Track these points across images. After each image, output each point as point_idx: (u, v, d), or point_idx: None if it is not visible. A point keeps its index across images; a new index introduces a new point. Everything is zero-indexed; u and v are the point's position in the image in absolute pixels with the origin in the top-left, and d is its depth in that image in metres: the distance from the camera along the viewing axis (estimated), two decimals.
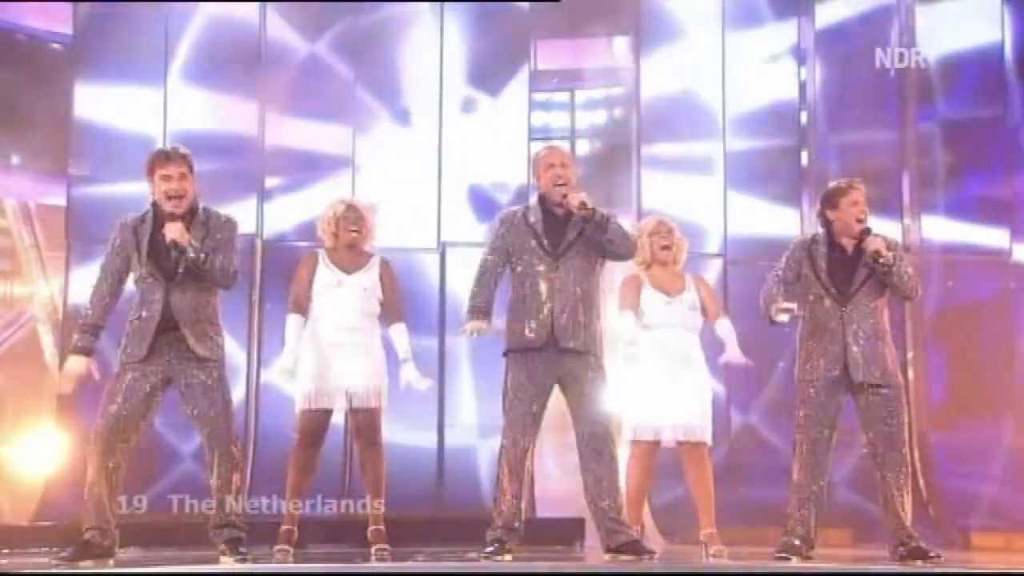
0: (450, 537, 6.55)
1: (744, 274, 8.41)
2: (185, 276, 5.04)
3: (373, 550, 5.73)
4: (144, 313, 5.06)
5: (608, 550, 5.23)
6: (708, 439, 5.94)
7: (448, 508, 8.00)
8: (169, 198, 5.03)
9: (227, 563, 5.01)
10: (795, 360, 5.53)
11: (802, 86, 8.88)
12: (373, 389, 5.78)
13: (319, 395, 5.76)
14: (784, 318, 5.36)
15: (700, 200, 8.58)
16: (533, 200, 5.50)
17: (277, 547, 5.73)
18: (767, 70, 8.79)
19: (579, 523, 6.82)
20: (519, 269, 5.33)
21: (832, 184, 5.66)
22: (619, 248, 5.32)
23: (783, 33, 8.87)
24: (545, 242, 5.28)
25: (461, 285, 8.41)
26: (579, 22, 8.94)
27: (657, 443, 5.92)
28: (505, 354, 5.36)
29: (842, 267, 5.43)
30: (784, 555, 5.32)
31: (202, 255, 5.00)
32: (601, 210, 5.24)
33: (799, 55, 8.88)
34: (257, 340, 8.22)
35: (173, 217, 5.00)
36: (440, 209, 8.36)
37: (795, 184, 8.78)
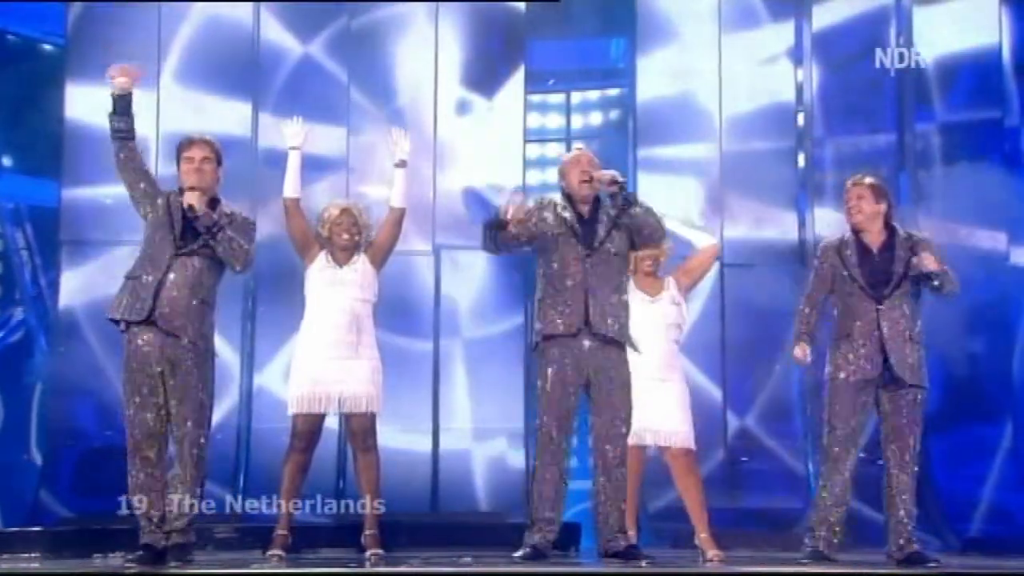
0: (445, 541, 6.52)
1: (741, 277, 8.38)
2: (194, 248, 5.14)
3: (367, 554, 5.69)
4: (148, 275, 5.10)
5: (606, 555, 5.18)
6: (692, 444, 5.96)
7: (443, 512, 7.96)
8: (188, 176, 5.22)
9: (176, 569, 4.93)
10: (828, 361, 5.51)
11: (799, 88, 8.84)
12: (367, 393, 5.75)
13: (313, 399, 5.73)
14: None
15: (696, 202, 8.54)
16: (560, 198, 5.51)
17: (271, 551, 5.69)
18: (764, 72, 8.75)
19: (575, 527, 6.78)
20: (553, 259, 5.33)
21: None
22: (650, 227, 5.38)
23: (780, 34, 8.83)
24: (581, 236, 5.31)
25: (456, 288, 8.42)
26: (575, 23, 8.89)
27: (643, 448, 5.92)
28: (535, 347, 5.35)
29: (873, 266, 5.43)
30: (810, 559, 5.30)
31: (216, 224, 5.15)
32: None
33: (796, 57, 8.85)
34: (250, 342, 8.18)
35: (193, 190, 5.18)
36: (435, 212, 8.31)
37: (792, 187, 8.74)
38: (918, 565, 5.24)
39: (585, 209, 5.40)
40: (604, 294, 5.26)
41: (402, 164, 6.02)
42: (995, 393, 8.33)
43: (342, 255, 5.86)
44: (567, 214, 5.37)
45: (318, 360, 5.73)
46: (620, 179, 5.30)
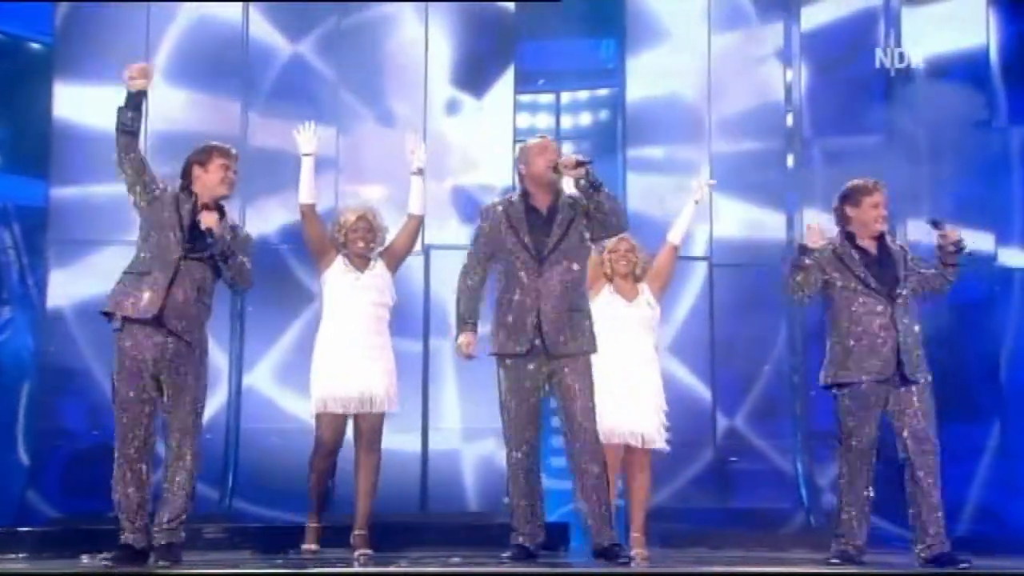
0: (434, 541, 6.51)
1: (729, 277, 8.39)
2: (201, 256, 5.09)
3: (357, 554, 5.70)
4: (154, 273, 5.03)
5: (594, 552, 5.15)
6: (655, 445, 6.02)
7: (432, 512, 7.96)
8: (223, 185, 5.15)
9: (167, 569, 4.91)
10: (827, 364, 5.45)
11: (788, 88, 8.86)
12: (388, 393, 5.81)
13: (341, 400, 5.77)
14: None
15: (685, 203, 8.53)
16: (516, 196, 5.33)
17: (305, 546, 5.82)
18: (753, 72, 8.76)
19: (563, 527, 6.78)
20: (503, 270, 5.22)
21: (856, 181, 5.57)
22: (611, 218, 5.16)
23: (769, 35, 8.85)
24: (529, 244, 5.15)
25: (445, 288, 8.35)
26: (564, 23, 8.89)
27: (622, 447, 5.95)
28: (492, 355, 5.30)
29: (880, 269, 5.41)
30: (839, 561, 5.30)
31: (229, 250, 5.09)
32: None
33: (785, 57, 8.87)
34: (239, 342, 8.15)
35: (208, 207, 5.08)
36: (424, 212, 8.28)
37: (781, 187, 8.76)
38: (948, 566, 5.15)
39: (544, 203, 5.21)
40: (557, 308, 5.10)
41: (419, 172, 6.04)
42: (983, 393, 8.34)
43: (359, 260, 5.91)
44: (518, 218, 5.19)
45: (341, 362, 5.77)
46: (585, 160, 5.06)
